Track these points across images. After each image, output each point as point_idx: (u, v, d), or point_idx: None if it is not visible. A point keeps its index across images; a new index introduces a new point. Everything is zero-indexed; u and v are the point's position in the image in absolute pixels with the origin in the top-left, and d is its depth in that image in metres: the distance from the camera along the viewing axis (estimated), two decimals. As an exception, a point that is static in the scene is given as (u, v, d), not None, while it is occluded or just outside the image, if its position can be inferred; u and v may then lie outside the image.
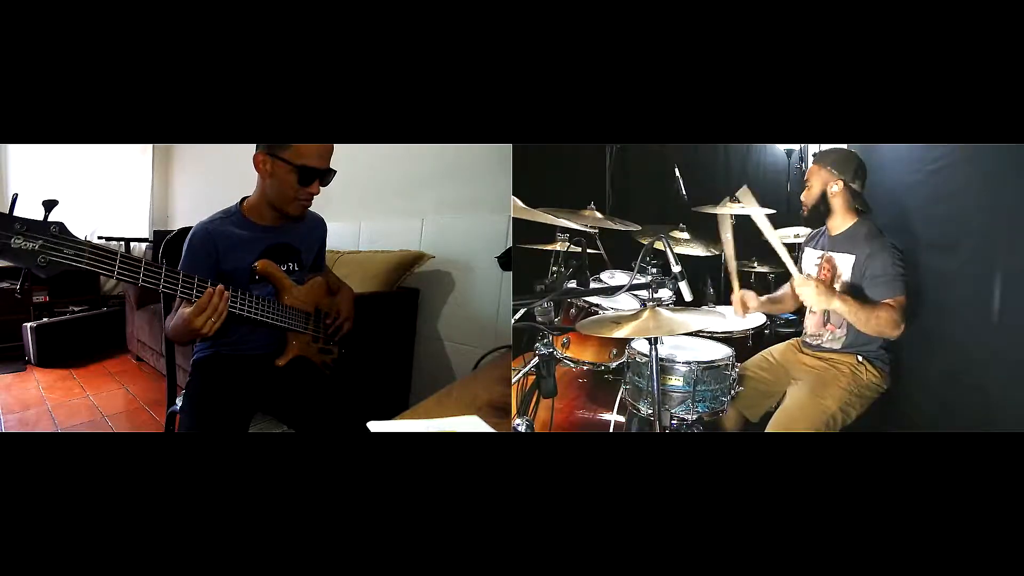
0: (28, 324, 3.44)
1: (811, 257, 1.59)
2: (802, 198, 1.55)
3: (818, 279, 1.40)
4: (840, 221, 1.51)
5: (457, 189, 2.43)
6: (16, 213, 0.96)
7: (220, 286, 1.21)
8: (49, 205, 0.99)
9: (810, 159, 2.34)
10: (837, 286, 1.48)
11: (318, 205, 1.59)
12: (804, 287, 1.35)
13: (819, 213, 1.53)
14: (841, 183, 1.47)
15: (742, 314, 1.55)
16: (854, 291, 1.45)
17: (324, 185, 1.41)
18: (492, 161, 2.17)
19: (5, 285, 3.61)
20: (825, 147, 1.60)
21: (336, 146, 1.40)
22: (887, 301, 1.37)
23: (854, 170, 1.47)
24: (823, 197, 1.50)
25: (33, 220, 0.96)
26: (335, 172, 1.42)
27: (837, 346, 1.51)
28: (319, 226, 1.60)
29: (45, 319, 3.58)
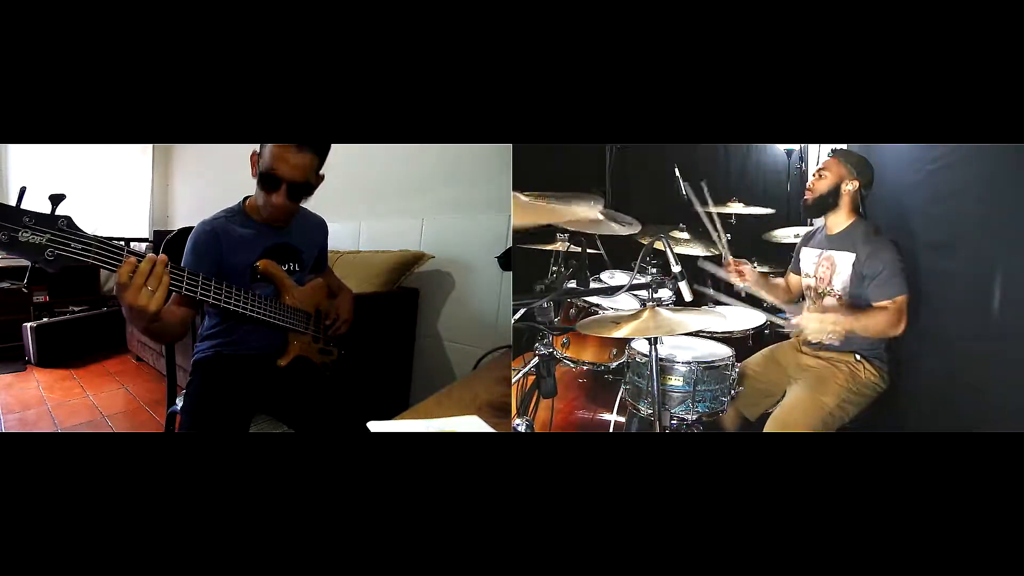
0: (28, 324, 3.44)
1: (809, 256, 1.60)
2: (810, 186, 1.56)
3: (814, 312, 1.46)
4: (842, 219, 1.53)
5: (457, 189, 2.43)
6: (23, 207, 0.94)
7: (162, 256, 1.06)
8: (56, 199, 0.98)
9: (812, 157, 2.35)
10: (836, 283, 1.52)
11: (317, 205, 1.59)
12: (808, 321, 1.41)
13: (825, 205, 1.53)
14: (856, 183, 1.50)
15: (739, 281, 1.56)
16: (850, 291, 1.48)
17: (294, 199, 1.37)
18: (492, 161, 2.17)
19: (5, 285, 3.61)
20: (845, 147, 1.64)
21: (336, 146, 1.39)
22: (883, 303, 1.40)
23: (869, 178, 1.52)
24: (836, 190, 1.51)
25: (41, 213, 0.95)
26: (310, 186, 1.37)
27: (836, 343, 1.52)
28: (321, 228, 1.60)
29: (45, 319, 3.58)
